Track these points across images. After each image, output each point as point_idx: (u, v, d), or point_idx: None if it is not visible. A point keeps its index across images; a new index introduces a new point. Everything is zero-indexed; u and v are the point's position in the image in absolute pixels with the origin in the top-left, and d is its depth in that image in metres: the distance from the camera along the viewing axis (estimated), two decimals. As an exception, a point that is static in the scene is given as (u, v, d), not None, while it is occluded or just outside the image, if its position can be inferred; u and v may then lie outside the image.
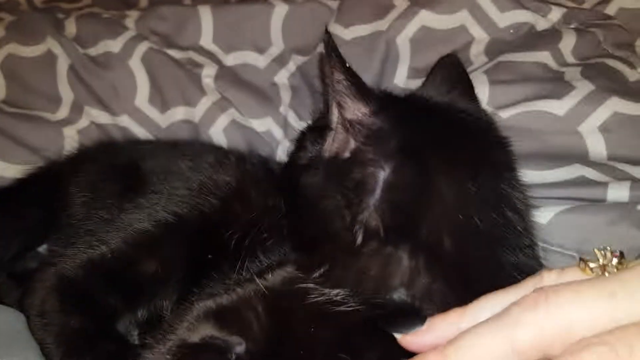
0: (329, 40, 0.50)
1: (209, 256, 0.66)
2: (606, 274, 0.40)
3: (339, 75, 0.50)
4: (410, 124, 0.52)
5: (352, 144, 0.51)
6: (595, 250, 0.41)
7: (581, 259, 0.41)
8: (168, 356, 0.50)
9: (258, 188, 0.74)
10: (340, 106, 0.51)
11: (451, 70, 0.67)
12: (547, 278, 0.41)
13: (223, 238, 0.68)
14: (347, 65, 0.50)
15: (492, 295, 0.42)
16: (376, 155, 0.50)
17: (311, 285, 0.52)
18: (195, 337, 0.52)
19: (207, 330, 0.52)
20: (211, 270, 0.64)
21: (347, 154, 0.52)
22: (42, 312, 0.60)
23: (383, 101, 0.52)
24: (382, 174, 0.50)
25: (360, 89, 0.50)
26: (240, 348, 0.53)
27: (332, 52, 0.50)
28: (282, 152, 1.00)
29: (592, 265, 0.40)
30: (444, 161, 0.51)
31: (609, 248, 0.41)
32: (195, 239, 0.68)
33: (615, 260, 0.40)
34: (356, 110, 0.50)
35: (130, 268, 0.64)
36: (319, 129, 0.56)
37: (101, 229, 0.68)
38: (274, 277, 0.56)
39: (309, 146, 0.57)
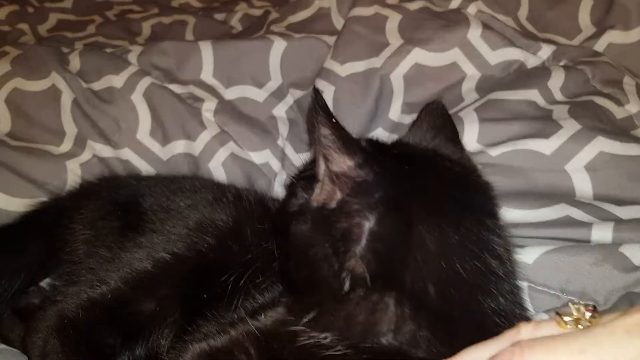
0: (317, 95, 0.53)
1: (204, 296, 0.68)
2: (579, 327, 0.42)
3: (325, 130, 0.52)
4: (394, 175, 0.54)
5: (339, 195, 0.53)
6: (570, 305, 0.44)
7: (557, 313, 0.44)
8: None
9: (254, 228, 0.76)
10: (326, 159, 0.53)
11: (436, 116, 0.69)
12: (524, 331, 0.43)
13: (219, 277, 0.70)
14: (334, 119, 0.52)
15: (473, 348, 0.44)
16: (361, 206, 0.52)
17: (301, 328, 0.54)
18: None
19: None
20: (206, 309, 0.66)
21: (333, 204, 0.54)
22: (43, 354, 0.62)
23: (368, 153, 0.54)
24: (367, 224, 0.52)
25: (346, 143, 0.52)
26: None
27: (319, 107, 0.52)
28: (279, 184, 1.03)
29: (566, 319, 0.43)
30: (427, 211, 0.53)
31: (581, 302, 0.44)
32: (192, 277, 0.70)
33: (588, 314, 0.43)
34: (342, 163, 0.52)
35: (129, 308, 0.66)
36: (309, 177, 0.58)
37: (102, 268, 0.70)
38: (266, 319, 0.58)
39: (299, 193, 0.59)
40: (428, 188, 0.55)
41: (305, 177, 0.60)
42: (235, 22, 1.34)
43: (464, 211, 0.55)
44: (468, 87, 0.97)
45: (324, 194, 0.54)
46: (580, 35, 1.05)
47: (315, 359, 0.53)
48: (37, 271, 0.80)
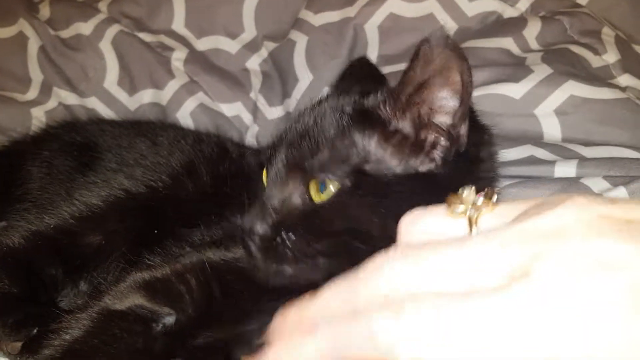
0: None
1: (155, 231, 0.66)
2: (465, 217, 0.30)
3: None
4: None
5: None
6: (461, 189, 0.31)
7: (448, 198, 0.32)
8: (87, 322, 0.50)
9: (211, 169, 0.74)
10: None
11: (360, 69, 0.70)
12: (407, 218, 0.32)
13: (172, 214, 0.68)
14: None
15: None
16: None
17: None
18: (120, 306, 0.52)
19: (136, 300, 0.53)
20: (155, 244, 0.64)
21: None
22: None
23: None
24: None
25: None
26: (169, 319, 0.53)
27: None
28: (251, 137, 1.01)
29: (457, 209, 0.30)
30: None
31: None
32: (143, 213, 0.68)
33: (480, 200, 0.30)
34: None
35: (73, 240, 0.65)
36: None
37: (50, 202, 0.68)
38: (219, 253, 0.56)
39: None
40: None
41: None
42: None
43: None
44: (444, 38, 0.95)
45: None
46: (562, -11, 1.02)
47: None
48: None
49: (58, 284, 0.63)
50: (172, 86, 0.98)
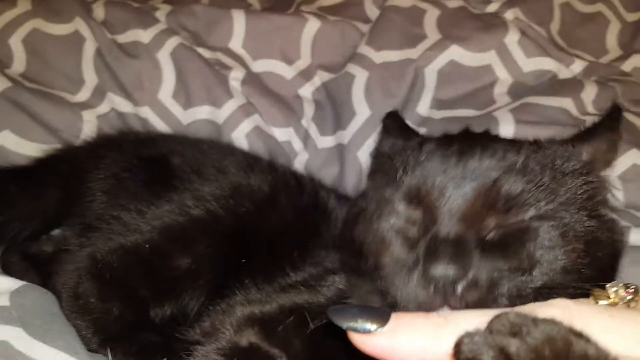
0: None
1: (243, 260, 0.65)
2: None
3: None
4: None
5: None
6: (607, 286, 0.40)
7: (593, 293, 0.40)
8: (217, 356, 0.49)
9: (289, 196, 0.74)
10: None
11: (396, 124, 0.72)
12: (562, 302, 0.37)
13: (257, 243, 0.67)
14: None
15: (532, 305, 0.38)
16: None
17: None
18: (243, 342, 0.50)
19: (251, 337, 0.51)
20: (243, 275, 0.63)
21: None
22: (76, 295, 0.58)
23: None
24: None
25: None
26: None
27: None
28: (298, 164, 1.01)
29: (601, 302, 0.39)
30: None
31: (620, 284, 0.40)
32: (228, 240, 0.67)
33: (628, 297, 0.39)
34: None
35: (164, 261, 0.63)
36: None
37: (131, 218, 0.66)
38: (322, 291, 0.55)
39: None
40: None
41: None
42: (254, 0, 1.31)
43: None
44: (500, 91, 0.98)
45: None
46: (607, 56, 1.08)
47: None
48: (51, 218, 0.76)
49: (148, 307, 0.61)
50: (230, 106, 0.97)
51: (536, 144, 0.55)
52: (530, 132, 0.86)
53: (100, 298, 0.57)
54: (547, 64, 0.99)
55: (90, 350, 0.55)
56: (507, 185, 0.47)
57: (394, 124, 0.72)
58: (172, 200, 0.69)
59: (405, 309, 0.44)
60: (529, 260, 0.45)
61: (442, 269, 0.42)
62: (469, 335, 0.30)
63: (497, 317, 0.31)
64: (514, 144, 0.54)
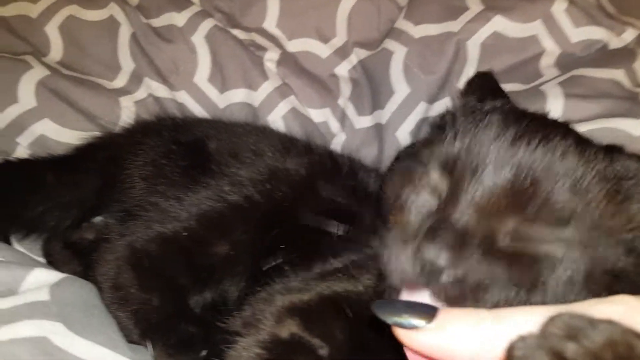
0: None
1: (282, 246, 0.64)
2: None
3: None
4: None
5: None
6: None
7: None
8: (258, 350, 0.48)
9: (327, 181, 0.72)
10: None
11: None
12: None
13: (295, 228, 0.66)
14: None
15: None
16: None
17: None
18: (284, 333, 0.49)
19: (292, 328, 0.50)
20: (280, 260, 0.62)
21: None
22: (116, 285, 0.58)
23: None
24: None
25: None
26: (323, 351, 0.50)
27: None
28: (336, 145, 0.99)
29: None
30: None
31: None
32: (266, 225, 0.66)
33: None
34: None
35: (202, 248, 0.62)
36: None
37: (170, 205, 0.66)
38: (363, 278, 0.54)
39: None
40: None
41: None
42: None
43: None
44: (546, 63, 0.93)
45: None
46: (663, 22, 1.01)
47: None
48: (91, 207, 0.76)
49: (188, 295, 0.61)
50: (265, 88, 0.95)
51: (610, 154, 0.47)
52: (581, 106, 0.82)
53: (140, 288, 0.58)
54: (596, 33, 0.93)
55: (131, 341, 0.55)
56: (550, 191, 0.41)
57: (482, 84, 0.65)
58: (210, 186, 0.68)
59: (389, 279, 0.42)
60: (533, 283, 0.40)
61: (434, 253, 0.39)
62: (522, 339, 0.28)
63: (552, 319, 0.29)
64: (585, 147, 0.46)
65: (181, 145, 0.76)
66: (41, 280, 0.52)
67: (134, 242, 0.61)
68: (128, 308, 0.57)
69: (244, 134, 0.79)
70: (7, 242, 0.72)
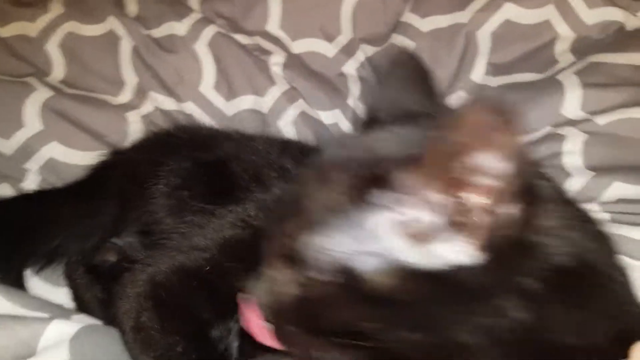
0: None
1: None
2: None
3: None
4: None
5: None
6: None
7: None
8: None
9: None
10: None
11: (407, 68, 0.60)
12: None
13: None
14: None
15: None
16: None
17: None
18: None
19: None
20: None
21: None
22: (138, 327, 0.56)
23: None
24: None
25: None
26: None
27: None
28: (349, 146, 0.97)
29: None
30: None
31: None
32: None
33: None
34: None
35: (227, 280, 0.60)
36: None
37: (193, 233, 0.64)
38: None
39: None
40: None
41: None
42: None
43: None
44: (562, 49, 0.90)
45: None
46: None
47: None
48: (111, 230, 0.75)
49: (211, 330, 0.59)
50: (272, 93, 0.93)
51: None
52: (602, 96, 0.79)
53: (163, 331, 0.56)
54: (612, 13, 0.90)
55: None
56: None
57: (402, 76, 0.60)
58: (232, 213, 0.65)
59: None
60: None
61: None
62: None
63: None
64: None
65: (201, 167, 0.73)
66: (59, 334, 0.51)
67: (156, 275, 0.59)
68: (151, 354, 0.56)
69: (262, 150, 0.74)
70: (20, 277, 0.71)
